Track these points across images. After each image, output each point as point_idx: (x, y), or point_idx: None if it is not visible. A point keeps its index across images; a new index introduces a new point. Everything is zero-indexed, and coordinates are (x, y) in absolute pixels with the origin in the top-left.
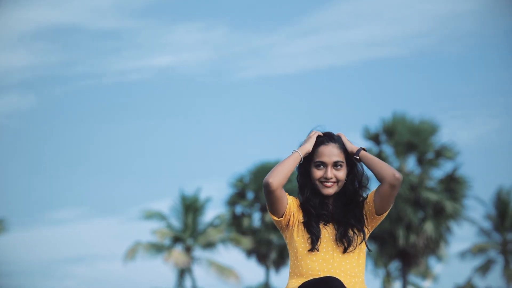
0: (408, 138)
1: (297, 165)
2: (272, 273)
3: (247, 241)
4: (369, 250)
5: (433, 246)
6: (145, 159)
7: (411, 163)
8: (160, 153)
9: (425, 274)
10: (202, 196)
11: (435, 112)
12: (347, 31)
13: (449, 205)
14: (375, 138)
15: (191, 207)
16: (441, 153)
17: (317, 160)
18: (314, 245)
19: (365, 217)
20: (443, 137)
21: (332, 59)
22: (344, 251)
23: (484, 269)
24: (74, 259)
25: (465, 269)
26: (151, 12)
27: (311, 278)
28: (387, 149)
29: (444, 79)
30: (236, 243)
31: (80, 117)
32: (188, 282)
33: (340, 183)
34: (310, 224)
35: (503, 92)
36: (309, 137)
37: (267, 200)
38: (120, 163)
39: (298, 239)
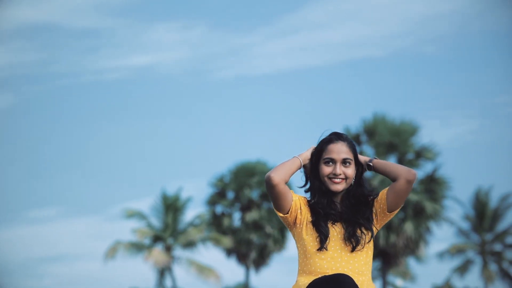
0: (388, 138)
1: (304, 170)
2: (252, 272)
3: (227, 241)
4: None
5: (412, 246)
6: (124, 158)
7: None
8: (139, 152)
9: (404, 274)
10: (183, 195)
11: (413, 113)
12: (325, 32)
13: (429, 206)
14: (355, 139)
15: (171, 207)
16: (421, 154)
17: (326, 157)
18: (322, 244)
19: (374, 215)
20: (423, 138)
21: (311, 60)
22: (352, 250)
23: (462, 269)
24: (52, 258)
25: (443, 269)
26: (129, 11)
27: (320, 276)
28: (368, 150)
29: (421, 80)
30: (216, 242)
31: (58, 116)
32: (168, 282)
33: (348, 181)
34: (319, 223)
35: (480, 93)
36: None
37: (270, 195)
38: (99, 162)
39: (307, 237)
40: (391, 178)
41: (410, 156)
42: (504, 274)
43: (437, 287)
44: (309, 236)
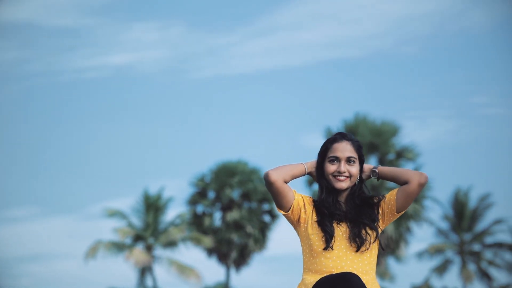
0: (369, 139)
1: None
2: (233, 272)
3: (208, 240)
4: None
5: (393, 246)
6: (103, 157)
7: (372, 163)
8: (118, 151)
9: (384, 274)
10: (164, 195)
11: (391, 113)
12: (304, 32)
13: (409, 206)
14: None
15: (152, 206)
16: (402, 154)
17: (331, 155)
18: (328, 244)
19: (381, 216)
20: (404, 138)
21: (290, 60)
22: (357, 249)
23: (441, 269)
24: (29, 258)
25: (422, 269)
26: (108, 10)
27: (326, 274)
28: None
29: (399, 80)
30: (197, 242)
31: (36, 114)
32: (149, 281)
33: (352, 179)
34: (324, 223)
35: (457, 93)
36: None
37: (270, 193)
38: (78, 161)
39: (312, 237)
40: (401, 182)
41: (391, 156)
42: (483, 274)
43: (416, 287)
44: (315, 236)
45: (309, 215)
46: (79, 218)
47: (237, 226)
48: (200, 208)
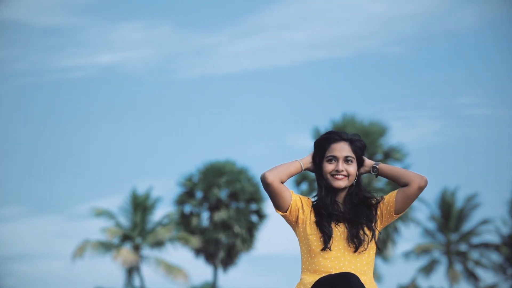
0: None
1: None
2: (220, 272)
3: (196, 240)
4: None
5: (381, 246)
6: (90, 157)
7: None
8: (106, 150)
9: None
10: (152, 195)
11: (378, 114)
12: (291, 32)
13: None
14: None
15: (140, 206)
16: (390, 154)
17: (329, 155)
18: (326, 244)
19: (379, 217)
20: (391, 138)
21: (277, 60)
22: (355, 250)
23: (428, 269)
24: (16, 257)
25: (409, 269)
26: (94, 9)
27: (324, 274)
28: None
29: (387, 81)
30: (185, 242)
31: (23, 114)
32: (136, 281)
33: (350, 178)
34: (322, 223)
35: (443, 94)
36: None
37: (267, 194)
38: (66, 161)
39: (311, 237)
40: (401, 183)
41: (378, 156)
42: (469, 274)
43: (403, 287)
44: (313, 236)
45: (307, 216)
46: (66, 218)
47: (225, 226)
48: (187, 208)
